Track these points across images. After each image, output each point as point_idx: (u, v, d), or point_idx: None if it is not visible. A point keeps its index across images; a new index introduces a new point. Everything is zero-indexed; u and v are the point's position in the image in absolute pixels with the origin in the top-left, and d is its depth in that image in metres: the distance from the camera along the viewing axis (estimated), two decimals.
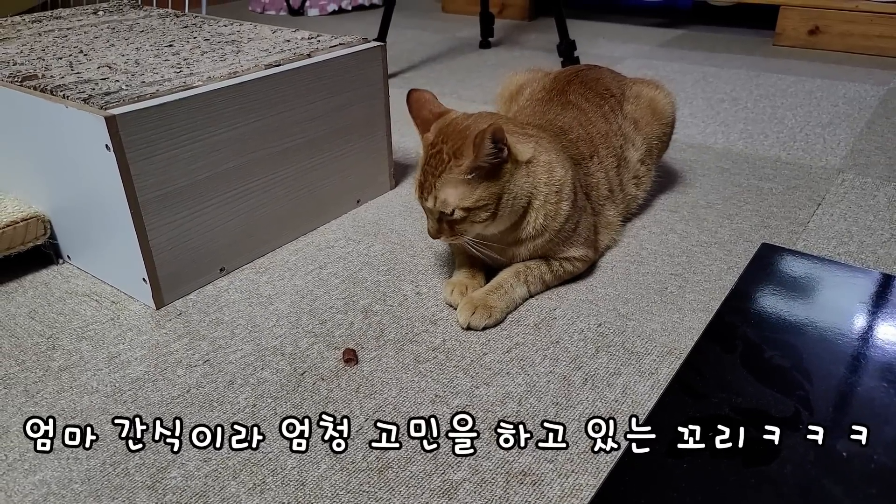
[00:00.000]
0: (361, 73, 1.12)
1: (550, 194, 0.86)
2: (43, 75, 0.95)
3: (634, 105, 1.11)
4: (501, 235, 0.89)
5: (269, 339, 0.86)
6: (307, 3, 2.97)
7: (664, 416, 0.70)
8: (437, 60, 2.21)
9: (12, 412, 0.74)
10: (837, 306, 0.86)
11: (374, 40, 1.17)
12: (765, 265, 0.96)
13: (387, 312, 0.91)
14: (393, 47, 2.34)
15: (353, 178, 1.17)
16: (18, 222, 0.97)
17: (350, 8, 3.02)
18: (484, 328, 0.87)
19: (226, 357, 0.83)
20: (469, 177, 0.80)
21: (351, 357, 0.81)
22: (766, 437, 0.66)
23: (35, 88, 0.89)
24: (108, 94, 0.86)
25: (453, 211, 0.81)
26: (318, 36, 1.19)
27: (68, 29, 1.26)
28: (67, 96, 0.86)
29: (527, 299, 0.93)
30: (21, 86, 0.91)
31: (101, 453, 0.69)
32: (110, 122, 0.79)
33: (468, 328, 0.87)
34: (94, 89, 0.88)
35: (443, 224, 0.84)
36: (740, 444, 0.64)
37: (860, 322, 0.83)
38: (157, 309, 0.92)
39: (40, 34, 1.22)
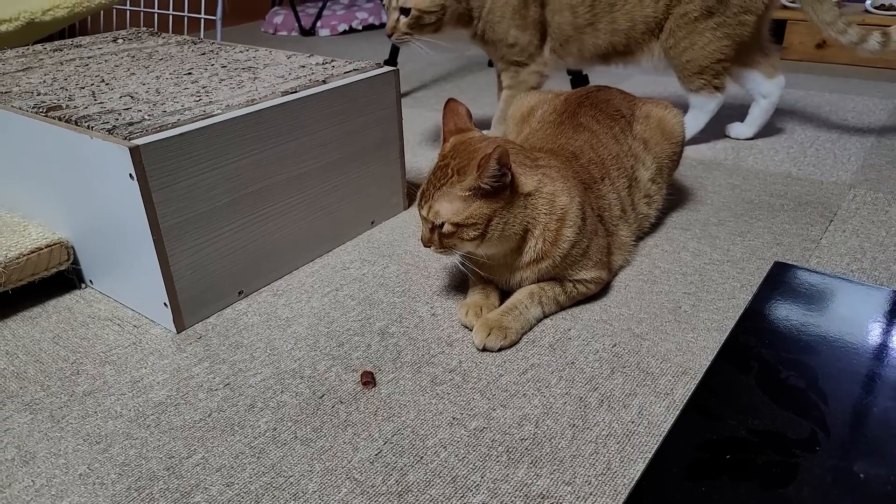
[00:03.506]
0: (375, 97, 1.14)
1: (551, 223, 0.88)
2: (67, 105, 0.98)
3: (644, 125, 1.12)
4: (505, 259, 0.91)
5: (288, 361, 0.87)
6: (318, 24, 3.01)
7: (681, 438, 0.70)
8: (447, 79, 2.24)
9: (38, 437, 0.76)
10: (852, 325, 0.86)
11: (386, 63, 1.19)
12: (778, 284, 0.96)
13: (403, 334, 0.92)
14: (403, 67, 2.38)
15: (367, 199, 1.19)
16: (42, 249, 0.99)
17: (360, 28, 3.07)
18: (499, 349, 0.88)
19: (246, 380, 0.84)
20: (466, 194, 0.83)
21: (369, 380, 0.82)
22: (783, 459, 0.66)
23: (60, 119, 0.92)
24: (131, 124, 0.89)
25: (443, 224, 0.85)
26: (332, 61, 1.21)
27: (89, 57, 1.29)
28: (92, 127, 0.88)
29: (541, 320, 0.94)
30: (47, 117, 0.94)
31: (126, 478, 0.70)
32: (134, 152, 0.82)
33: (484, 349, 0.88)
34: (117, 119, 0.91)
35: (434, 235, 0.87)
36: (758, 467, 0.65)
37: (875, 341, 0.83)
38: (178, 333, 0.94)
39: (62, 63, 1.25)
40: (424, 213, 0.87)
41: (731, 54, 1.42)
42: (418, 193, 0.89)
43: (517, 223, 0.87)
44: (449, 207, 0.84)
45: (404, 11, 1.34)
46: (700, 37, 1.39)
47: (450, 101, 0.95)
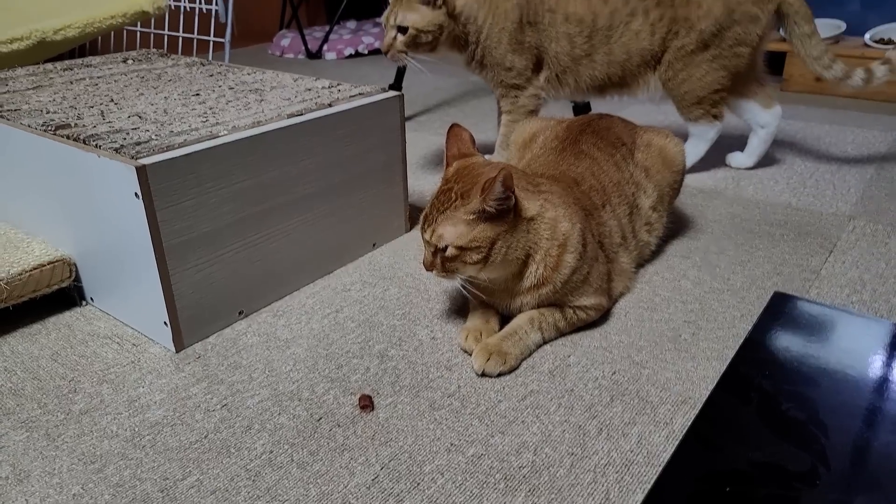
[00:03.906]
0: (380, 121, 1.15)
1: (552, 248, 0.89)
2: (75, 124, 0.99)
3: (645, 153, 1.13)
4: (506, 284, 0.91)
5: (286, 383, 0.87)
6: (325, 48, 3.06)
7: (680, 468, 0.70)
8: (451, 104, 2.26)
9: (34, 456, 0.76)
10: (852, 357, 0.86)
11: (391, 87, 1.21)
12: (778, 314, 0.96)
13: (402, 357, 0.92)
14: (408, 91, 2.40)
15: (369, 222, 1.19)
16: (45, 265, 1.00)
17: (366, 52, 3.11)
18: (499, 375, 0.87)
19: (243, 402, 0.84)
20: (470, 218, 0.84)
21: (367, 403, 0.82)
22: (784, 493, 0.65)
23: (68, 138, 0.93)
24: (138, 143, 0.90)
25: (446, 247, 0.85)
26: (338, 85, 1.23)
27: (99, 77, 1.31)
28: (100, 146, 0.89)
29: (541, 346, 0.93)
30: (55, 135, 0.95)
31: (120, 499, 0.69)
32: (140, 171, 0.82)
33: (483, 374, 0.87)
34: (125, 139, 0.92)
35: (436, 259, 0.87)
36: (758, 500, 0.64)
37: (876, 373, 0.83)
38: (177, 352, 0.94)
39: (72, 82, 1.27)
40: (427, 236, 0.87)
41: (728, 84, 1.45)
42: (421, 217, 0.90)
43: (520, 248, 0.87)
44: (452, 231, 0.85)
45: (401, 30, 1.36)
46: (697, 69, 1.42)
47: (453, 126, 0.96)
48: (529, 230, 0.88)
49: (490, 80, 1.48)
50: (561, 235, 0.89)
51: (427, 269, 0.89)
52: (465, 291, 0.92)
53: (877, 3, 2.36)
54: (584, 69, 1.45)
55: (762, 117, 1.53)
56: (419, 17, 1.34)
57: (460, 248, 0.84)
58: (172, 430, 0.79)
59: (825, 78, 1.47)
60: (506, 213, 0.85)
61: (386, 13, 1.39)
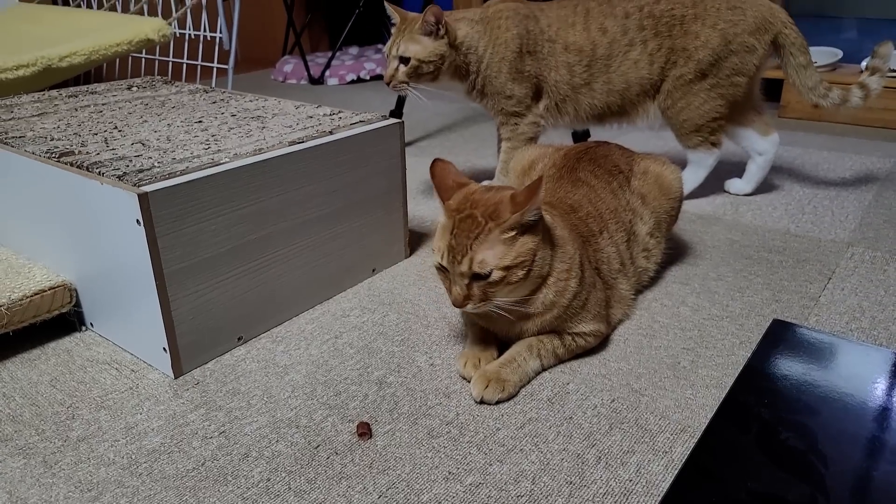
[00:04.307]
0: (380, 148, 1.17)
1: (562, 271, 0.89)
2: (79, 151, 1.00)
3: (642, 181, 1.14)
4: (511, 309, 0.90)
5: (285, 410, 0.87)
6: (327, 73, 3.10)
7: (679, 499, 0.69)
8: (451, 129, 2.28)
9: (30, 483, 0.75)
10: (852, 386, 0.86)
11: (392, 113, 1.23)
12: (777, 342, 0.96)
13: (401, 384, 0.92)
14: (409, 116, 2.43)
15: (369, 247, 1.20)
16: (46, 291, 1.00)
17: (368, 78, 3.15)
18: (497, 402, 0.87)
19: (241, 429, 0.84)
20: (509, 236, 0.83)
21: (365, 431, 0.82)
22: None
23: (72, 165, 0.94)
24: (141, 171, 0.91)
25: (490, 272, 0.82)
26: (339, 112, 1.25)
27: (103, 104, 1.33)
28: (103, 173, 0.90)
29: (540, 373, 0.93)
30: (59, 162, 0.96)
31: None
32: (142, 198, 0.83)
33: (481, 402, 0.87)
34: (128, 166, 0.93)
35: (472, 289, 0.84)
36: None
37: (876, 403, 0.83)
38: (176, 378, 0.94)
39: (76, 109, 1.29)
40: (464, 267, 0.82)
41: (726, 112, 1.47)
42: (443, 252, 0.84)
43: (546, 260, 0.87)
44: (493, 254, 0.82)
45: (404, 60, 1.38)
46: (695, 97, 1.44)
47: (437, 161, 0.93)
48: (550, 241, 0.88)
49: (490, 107, 1.51)
50: (568, 258, 0.90)
51: (459, 306, 0.84)
52: (498, 314, 0.88)
53: (873, 30, 2.40)
54: (584, 98, 1.47)
55: (760, 145, 1.54)
56: (421, 48, 1.36)
57: (506, 269, 0.82)
58: (169, 458, 0.79)
59: (823, 106, 1.49)
60: (538, 223, 0.85)
61: (388, 44, 1.42)
